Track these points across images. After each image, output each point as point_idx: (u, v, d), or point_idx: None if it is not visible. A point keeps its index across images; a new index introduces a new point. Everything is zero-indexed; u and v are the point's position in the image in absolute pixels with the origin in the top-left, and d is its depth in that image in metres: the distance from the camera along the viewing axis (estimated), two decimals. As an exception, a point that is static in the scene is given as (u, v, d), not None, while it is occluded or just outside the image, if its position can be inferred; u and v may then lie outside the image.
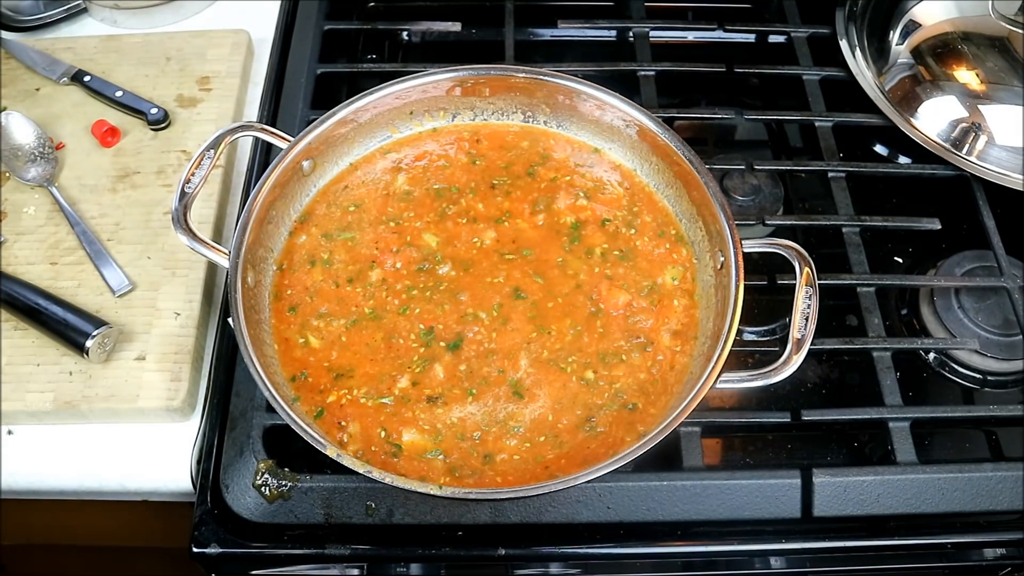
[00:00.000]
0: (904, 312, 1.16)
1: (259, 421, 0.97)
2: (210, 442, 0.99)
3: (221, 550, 0.92)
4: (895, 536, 0.96)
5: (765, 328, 1.14)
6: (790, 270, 0.94)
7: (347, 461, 0.83)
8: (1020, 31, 1.22)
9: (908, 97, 1.24)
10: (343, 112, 1.05)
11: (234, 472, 0.95)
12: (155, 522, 1.11)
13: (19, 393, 1.02)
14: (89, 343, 1.01)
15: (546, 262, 1.03)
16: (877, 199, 1.22)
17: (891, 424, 1.00)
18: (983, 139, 1.19)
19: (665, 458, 0.97)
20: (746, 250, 0.95)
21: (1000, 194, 1.17)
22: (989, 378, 1.11)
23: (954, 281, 1.13)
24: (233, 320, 0.90)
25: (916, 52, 1.27)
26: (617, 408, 0.94)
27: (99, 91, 1.26)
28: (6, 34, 1.34)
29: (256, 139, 1.20)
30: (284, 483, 0.94)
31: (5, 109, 1.24)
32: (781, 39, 1.37)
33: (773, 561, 0.97)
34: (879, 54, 1.29)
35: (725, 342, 0.89)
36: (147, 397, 1.02)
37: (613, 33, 1.39)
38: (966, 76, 1.23)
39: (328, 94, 1.26)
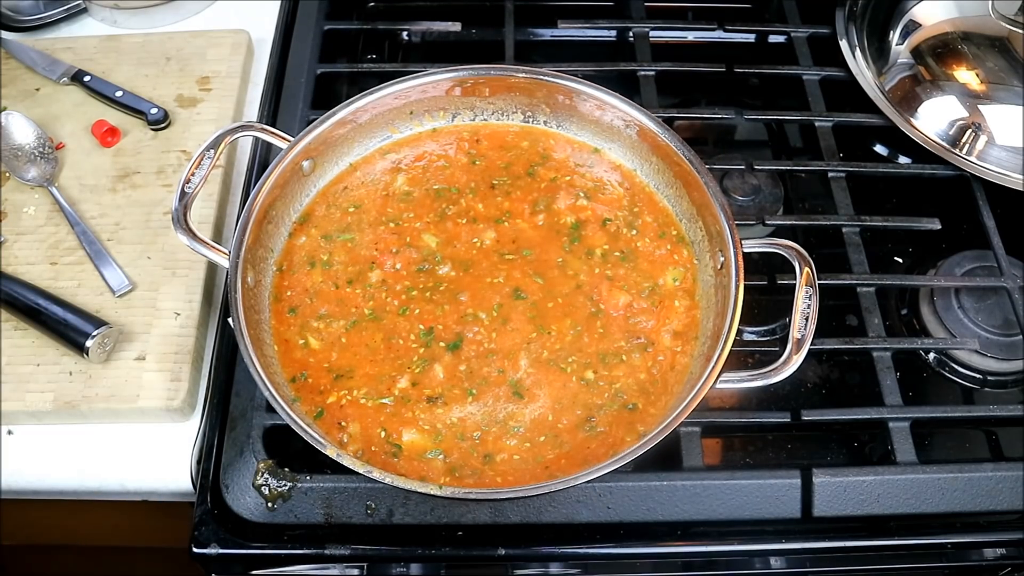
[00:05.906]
0: (904, 312, 1.16)
1: (259, 421, 0.98)
2: (210, 442, 0.99)
3: (221, 550, 0.92)
4: (895, 536, 0.96)
5: (765, 328, 1.14)
6: (790, 270, 0.94)
7: (347, 461, 0.83)
8: (1020, 31, 1.22)
9: (908, 97, 1.24)
10: (343, 112, 1.05)
11: (234, 472, 0.95)
12: (155, 522, 1.11)
13: (19, 393, 1.02)
14: (89, 343, 1.01)
15: (546, 262, 1.03)
16: (877, 199, 1.22)
17: (891, 424, 1.00)
18: (983, 139, 1.19)
19: (665, 458, 0.97)
20: (746, 250, 0.95)
21: (1000, 194, 1.17)
22: (989, 378, 1.11)
23: (954, 281, 1.13)
24: (233, 320, 0.90)
25: (916, 52, 1.27)
26: (617, 408, 0.94)
27: (99, 91, 1.26)
28: (6, 34, 1.34)
29: (256, 139, 1.20)
30: (284, 483, 0.94)
31: (5, 109, 1.24)
32: (781, 39, 1.37)
33: (773, 561, 0.97)
34: (879, 54, 1.29)
35: (725, 342, 0.89)
36: (147, 397, 1.02)
37: (613, 33, 1.39)
38: (966, 76, 1.23)
39: (328, 94, 1.27)
